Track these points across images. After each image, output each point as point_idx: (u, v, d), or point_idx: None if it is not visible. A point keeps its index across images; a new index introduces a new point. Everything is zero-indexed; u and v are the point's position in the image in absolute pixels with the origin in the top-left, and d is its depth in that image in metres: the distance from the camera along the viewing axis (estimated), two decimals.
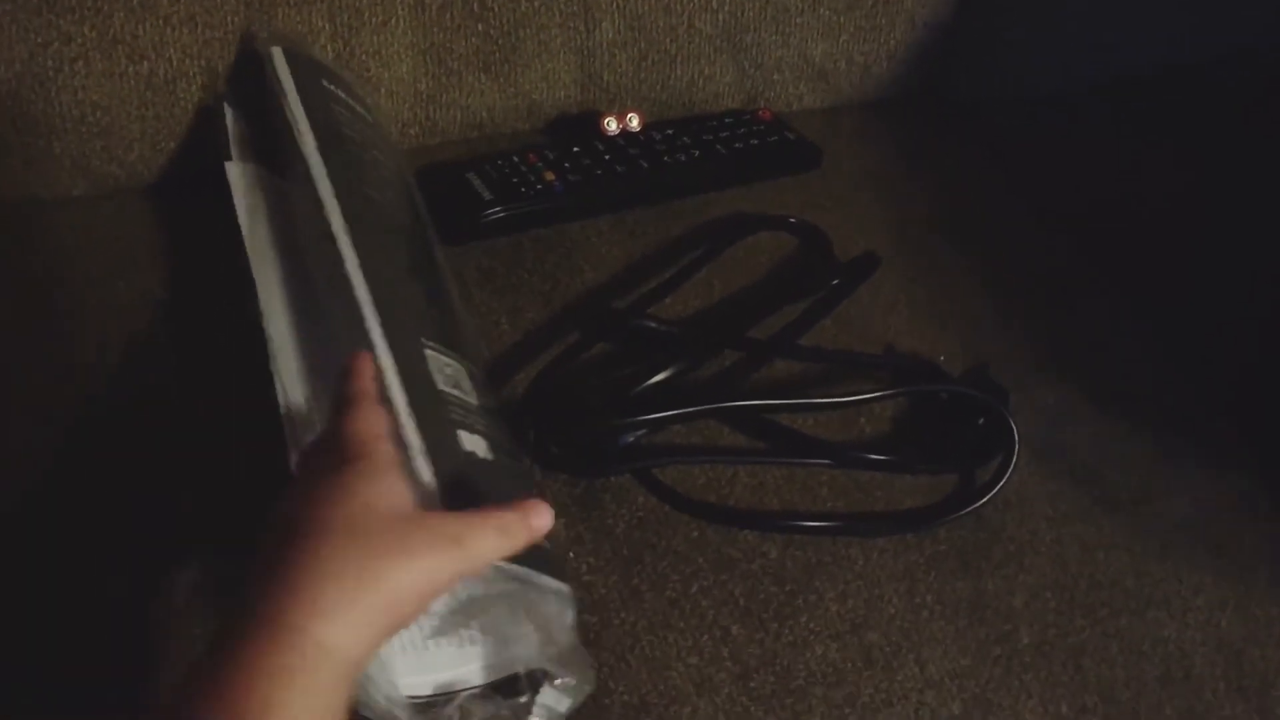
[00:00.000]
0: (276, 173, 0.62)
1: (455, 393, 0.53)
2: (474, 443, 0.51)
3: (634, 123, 0.75)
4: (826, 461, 0.61)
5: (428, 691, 0.48)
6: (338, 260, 0.55)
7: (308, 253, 0.58)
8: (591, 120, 0.76)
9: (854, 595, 0.56)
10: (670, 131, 0.76)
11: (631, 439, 0.59)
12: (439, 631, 0.48)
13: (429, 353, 0.54)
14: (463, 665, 0.48)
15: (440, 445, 0.49)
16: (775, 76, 0.82)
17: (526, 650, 0.48)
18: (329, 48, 0.70)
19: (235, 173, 0.62)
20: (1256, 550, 0.62)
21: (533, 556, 0.47)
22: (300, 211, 0.59)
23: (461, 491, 0.48)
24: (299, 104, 0.62)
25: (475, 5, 0.72)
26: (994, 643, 0.56)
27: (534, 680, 0.48)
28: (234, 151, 0.63)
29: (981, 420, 0.63)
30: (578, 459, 0.59)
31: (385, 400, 0.49)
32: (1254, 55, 0.92)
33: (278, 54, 0.64)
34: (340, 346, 0.52)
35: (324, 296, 0.56)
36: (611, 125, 0.75)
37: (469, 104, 0.75)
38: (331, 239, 0.56)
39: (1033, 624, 0.57)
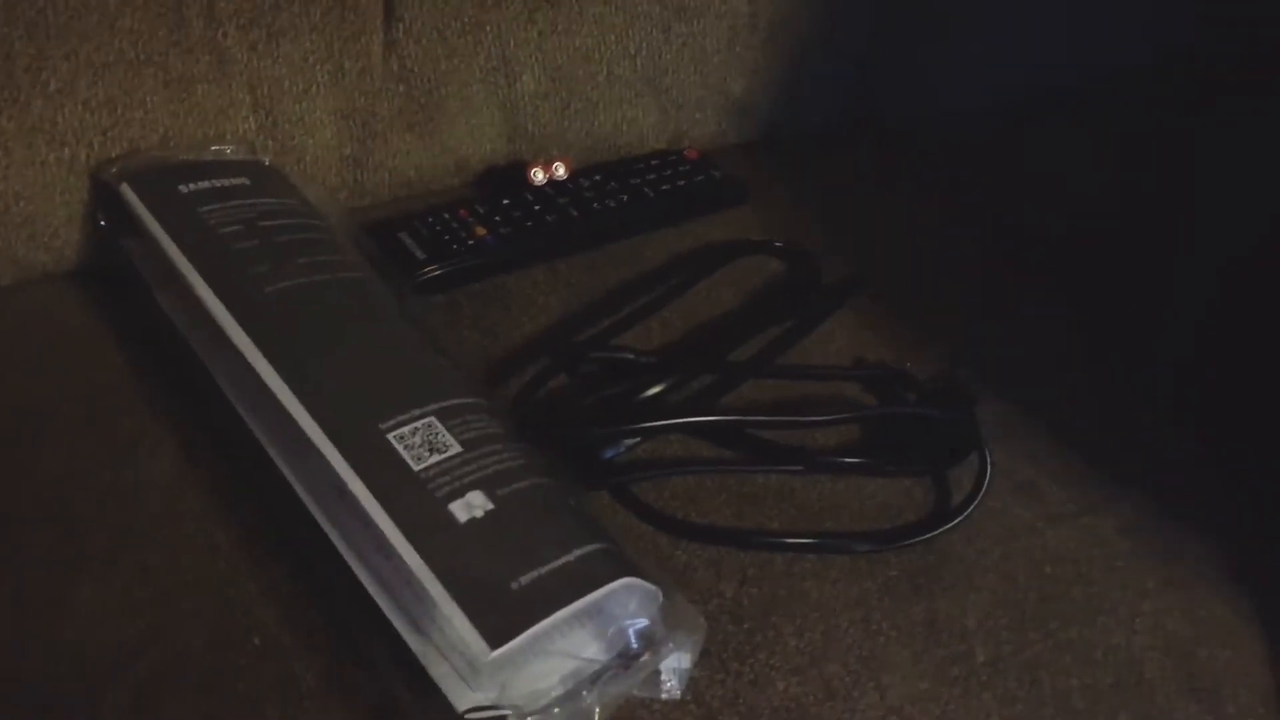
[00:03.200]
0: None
1: (435, 459, 0.53)
2: (471, 503, 0.51)
3: (560, 171, 0.76)
4: (799, 467, 0.63)
5: (557, 684, 0.49)
6: (262, 388, 0.55)
7: (226, 384, 0.59)
8: (519, 171, 0.76)
9: (810, 628, 0.57)
10: (598, 177, 0.77)
11: (611, 455, 0.61)
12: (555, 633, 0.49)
13: (392, 437, 0.53)
14: (581, 649, 0.50)
15: (435, 539, 0.50)
16: (697, 115, 0.83)
17: (632, 618, 0.51)
18: (251, 119, 0.70)
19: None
20: (1200, 553, 0.63)
21: (616, 567, 0.51)
22: (205, 339, 0.60)
23: (481, 554, 0.49)
24: (165, 233, 0.62)
25: (395, 66, 0.73)
26: (951, 663, 0.56)
27: (652, 645, 0.51)
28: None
29: (949, 424, 0.65)
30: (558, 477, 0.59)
31: (369, 525, 0.50)
32: (1175, 61, 0.94)
33: (126, 190, 0.64)
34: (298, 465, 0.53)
35: (262, 425, 0.57)
36: (539, 175, 0.76)
37: (396, 164, 0.75)
38: (244, 362, 0.56)
39: (987, 642, 0.57)
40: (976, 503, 0.62)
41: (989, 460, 0.63)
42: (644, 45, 0.78)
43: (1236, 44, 0.94)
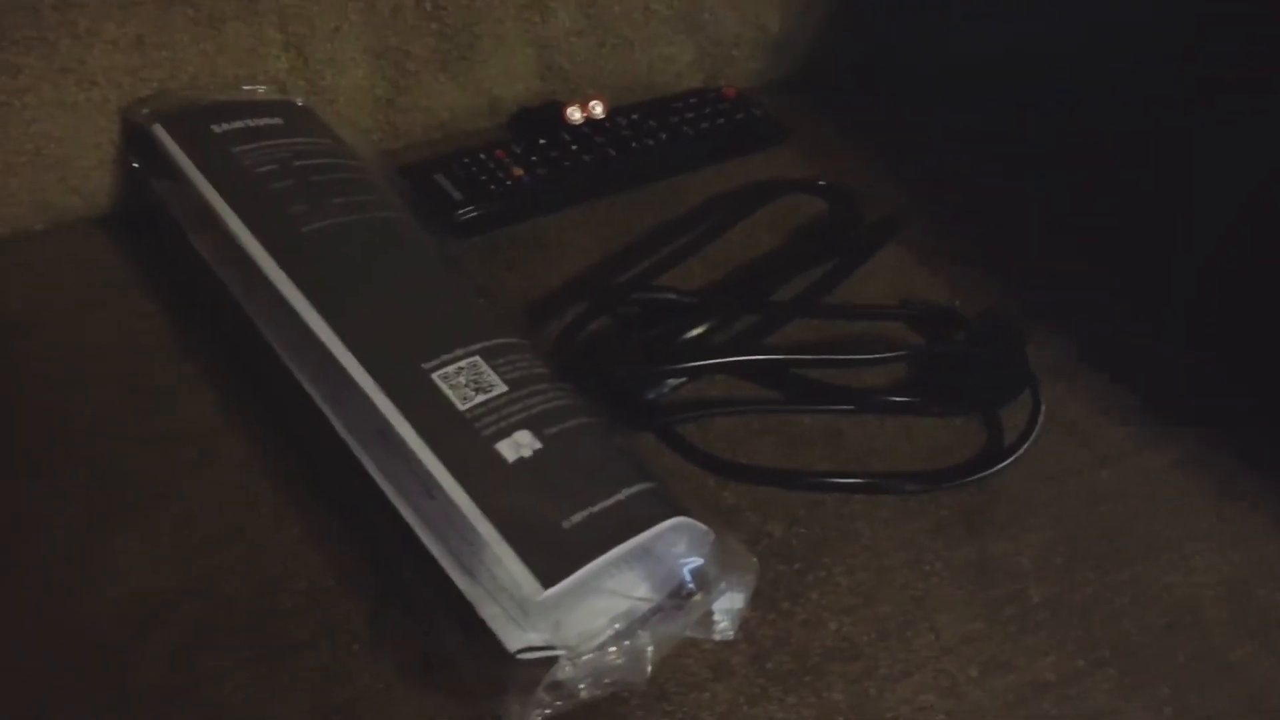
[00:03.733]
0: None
1: (481, 398, 0.52)
2: (519, 442, 0.51)
3: (598, 110, 0.75)
4: (850, 407, 0.62)
5: (609, 625, 0.49)
6: (302, 329, 0.54)
7: (265, 326, 0.58)
8: (555, 111, 0.75)
9: (862, 569, 0.56)
10: (635, 116, 0.76)
11: (655, 396, 0.60)
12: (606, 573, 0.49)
13: (436, 376, 0.52)
14: (633, 590, 0.50)
15: (483, 479, 0.49)
16: (734, 52, 0.81)
17: (683, 558, 0.50)
18: (282, 58, 0.69)
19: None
20: (1257, 488, 0.62)
21: (666, 507, 0.50)
22: (243, 281, 0.59)
23: (531, 494, 0.49)
24: (199, 173, 0.61)
25: (428, 4, 0.71)
26: (1005, 603, 0.56)
27: (705, 585, 0.50)
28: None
29: (999, 362, 0.64)
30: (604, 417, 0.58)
31: (416, 466, 0.49)
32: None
33: (159, 131, 0.63)
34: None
35: (299, 366, 0.56)
36: (575, 115, 0.74)
37: (429, 105, 0.74)
38: (284, 302, 0.55)
39: (1041, 582, 0.57)
40: (1029, 442, 0.61)
41: (1040, 399, 0.62)
42: None
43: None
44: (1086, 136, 0.83)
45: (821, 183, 0.74)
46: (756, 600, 0.54)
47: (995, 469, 0.60)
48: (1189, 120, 0.85)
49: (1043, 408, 0.62)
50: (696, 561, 0.51)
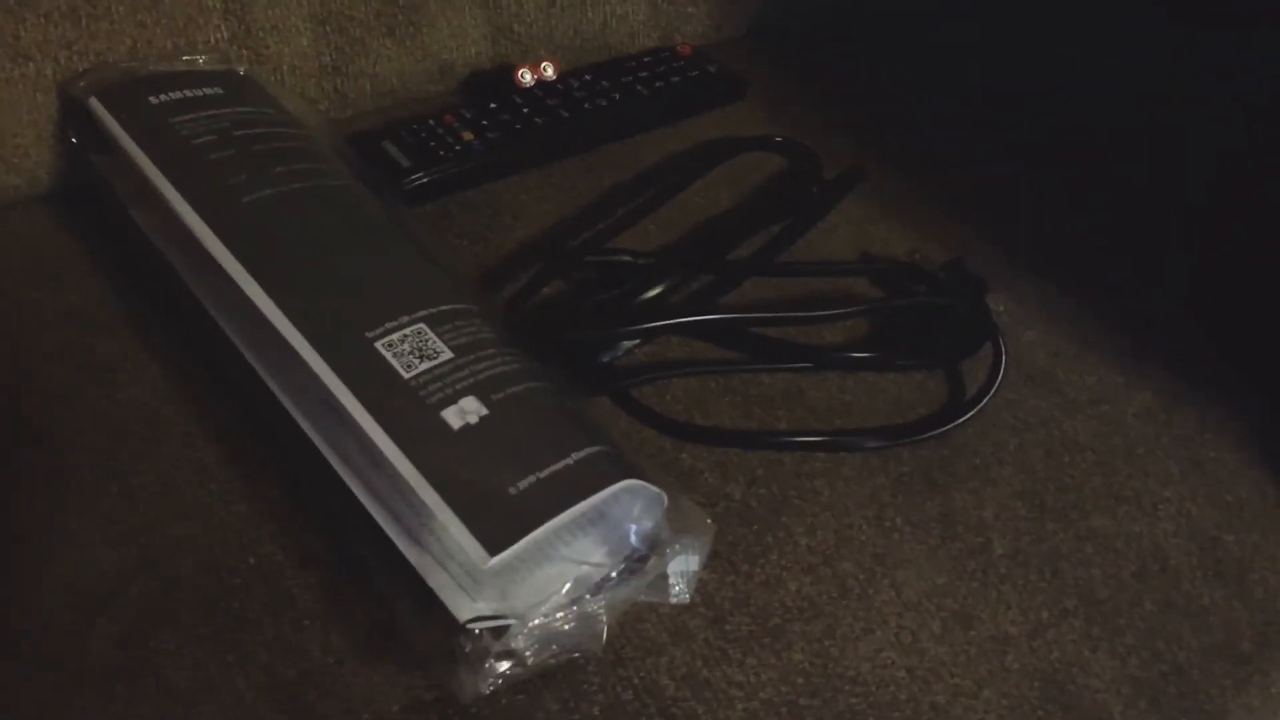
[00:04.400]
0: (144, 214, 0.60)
1: (425, 365, 0.51)
2: (464, 409, 0.50)
3: (549, 71, 0.73)
4: (809, 365, 0.61)
5: (562, 592, 0.48)
6: (244, 301, 0.53)
7: (207, 299, 0.56)
8: (506, 74, 0.73)
9: (823, 527, 0.55)
10: (588, 77, 0.74)
11: (610, 359, 0.59)
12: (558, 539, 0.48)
13: (380, 345, 0.51)
14: (586, 555, 0.49)
15: (428, 447, 0.48)
16: (689, 9, 0.80)
17: (637, 522, 0.50)
18: (222, 27, 0.67)
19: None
20: (1220, 438, 0.62)
21: (618, 470, 0.49)
22: (184, 254, 0.57)
23: (477, 460, 0.48)
24: (136, 146, 0.59)
25: None
26: (967, 557, 0.55)
27: (658, 549, 0.50)
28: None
29: (960, 314, 0.63)
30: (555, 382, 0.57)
31: (360, 436, 0.49)
32: None
33: (95, 104, 0.62)
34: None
35: (242, 339, 0.55)
36: (526, 77, 0.73)
37: (376, 71, 0.73)
38: (224, 274, 0.54)
39: (1005, 534, 0.56)
40: (992, 394, 0.60)
41: (1003, 350, 0.61)
42: None
43: None
44: (1052, 84, 0.82)
45: (778, 139, 0.73)
46: (715, 562, 0.53)
47: (957, 422, 0.59)
48: (1162, 61, 0.84)
49: (1005, 359, 0.61)
50: (648, 525, 0.50)
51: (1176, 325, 0.67)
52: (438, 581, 0.47)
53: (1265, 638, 0.54)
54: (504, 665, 0.46)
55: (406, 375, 0.51)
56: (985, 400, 0.60)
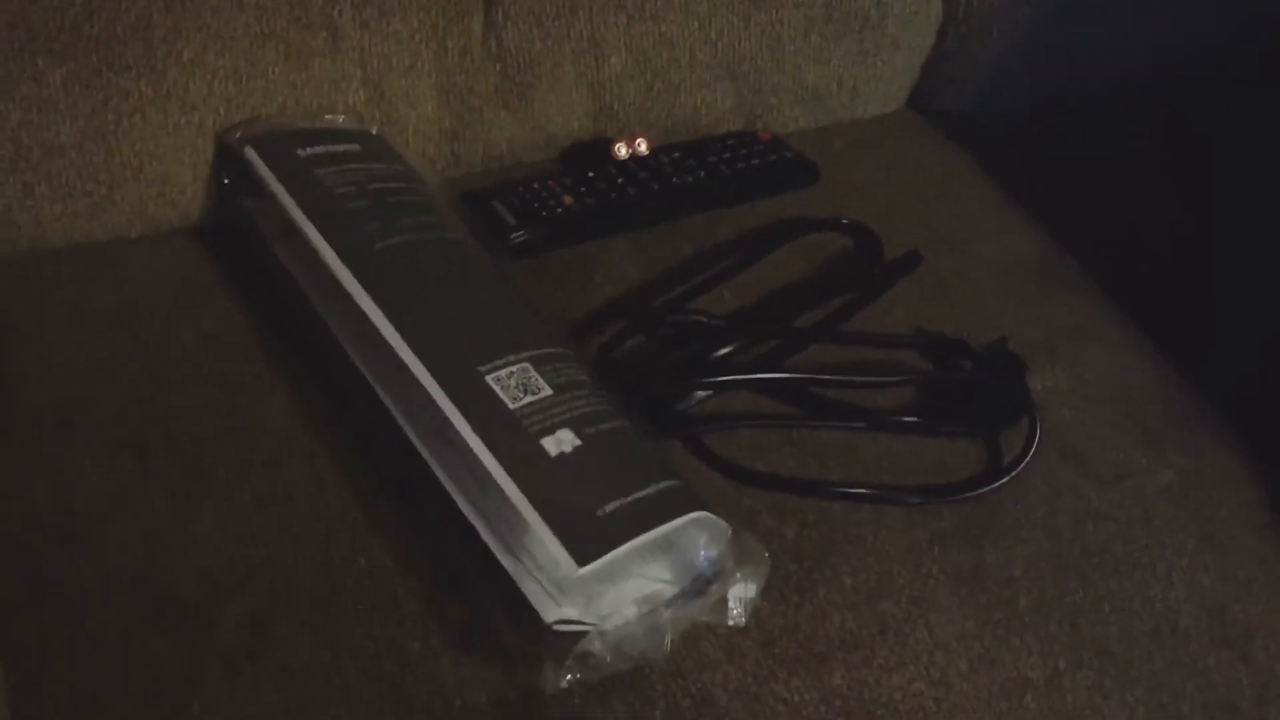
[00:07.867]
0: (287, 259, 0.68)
1: (529, 399, 0.58)
2: (561, 439, 0.56)
3: (643, 147, 0.81)
4: (862, 425, 0.67)
5: (634, 606, 0.54)
6: (373, 333, 0.60)
7: (339, 330, 0.64)
8: (603, 147, 0.81)
9: (866, 570, 0.61)
10: (677, 154, 0.82)
11: (684, 407, 0.65)
12: (634, 558, 0.54)
13: (490, 379, 0.58)
14: (657, 575, 0.55)
15: (528, 470, 0.55)
16: (772, 100, 0.87)
17: (701, 549, 0.55)
18: (360, 92, 0.76)
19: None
20: (1235, 517, 0.67)
21: (682, 502, 0.56)
22: (320, 290, 0.65)
23: (570, 484, 0.54)
24: (285, 192, 0.67)
25: (493, 46, 0.78)
26: (995, 606, 0.61)
27: (720, 576, 0.55)
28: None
29: (1001, 389, 0.69)
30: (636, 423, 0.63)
31: (469, 457, 0.55)
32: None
33: (250, 153, 0.70)
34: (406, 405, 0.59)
35: (368, 367, 0.62)
36: (622, 150, 0.80)
37: (490, 138, 0.81)
38: (357, 310, 0.61)
39: (1030, 589, 0.61)
40: (1025, 463, 0.66)
41: (1038, 424, 0.67)
42: (725, 32, 0.82)
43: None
44: (1104, 186, 0.88)
45: (845, 221, 0.80)
46: (768, 593, 0.59)
47: (993, 486, 0.65)
48: (1200, 146, 0.90)
49: (1039, 433, 0.67)
50: (714, 553, 0.56)
51: (1200, 411, 0.72)
52: (530, 589, 0.54)
53: (1263, 697, 0.59)
54: (581, 665, 0.53)
55: (512, 406, 0.58)
56: (1019, 468, 0.66)
